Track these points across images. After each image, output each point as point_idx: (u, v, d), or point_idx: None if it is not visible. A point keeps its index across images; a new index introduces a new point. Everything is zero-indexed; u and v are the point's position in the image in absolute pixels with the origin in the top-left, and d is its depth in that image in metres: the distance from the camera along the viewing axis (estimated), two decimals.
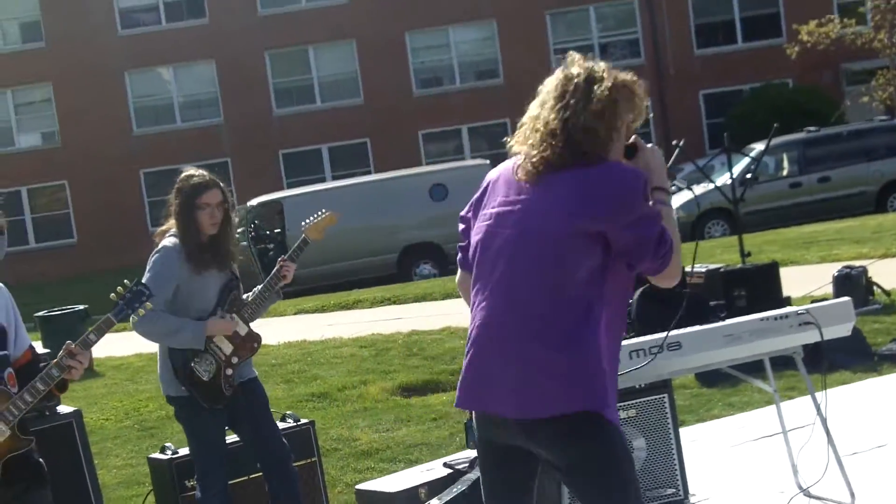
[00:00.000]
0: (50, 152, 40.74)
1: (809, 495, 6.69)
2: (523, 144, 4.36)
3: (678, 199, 26.22)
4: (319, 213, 7.04)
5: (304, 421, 7.66)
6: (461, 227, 4.61)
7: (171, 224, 6.64)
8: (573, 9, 40.63)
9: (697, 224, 25.76)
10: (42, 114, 41.38)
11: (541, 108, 4.33)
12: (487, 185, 4.52)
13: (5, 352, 5.17)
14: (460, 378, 4.41)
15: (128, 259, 36.71)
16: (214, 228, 6.54)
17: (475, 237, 4.45)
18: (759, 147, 22.92)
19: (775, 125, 13.53)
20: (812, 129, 27.07)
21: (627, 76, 4.37)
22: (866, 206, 25.79)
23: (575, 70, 4.33)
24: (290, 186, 35.76)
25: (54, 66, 39.94)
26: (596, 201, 4.16)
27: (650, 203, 4.28)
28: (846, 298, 6.89)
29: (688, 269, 12.78)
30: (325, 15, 40.18)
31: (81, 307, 15.86)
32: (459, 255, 4.61)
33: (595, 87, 4.27)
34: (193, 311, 6.50)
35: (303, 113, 40.71)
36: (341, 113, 40.37)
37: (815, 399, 6.54)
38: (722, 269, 12.12)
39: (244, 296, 6.81)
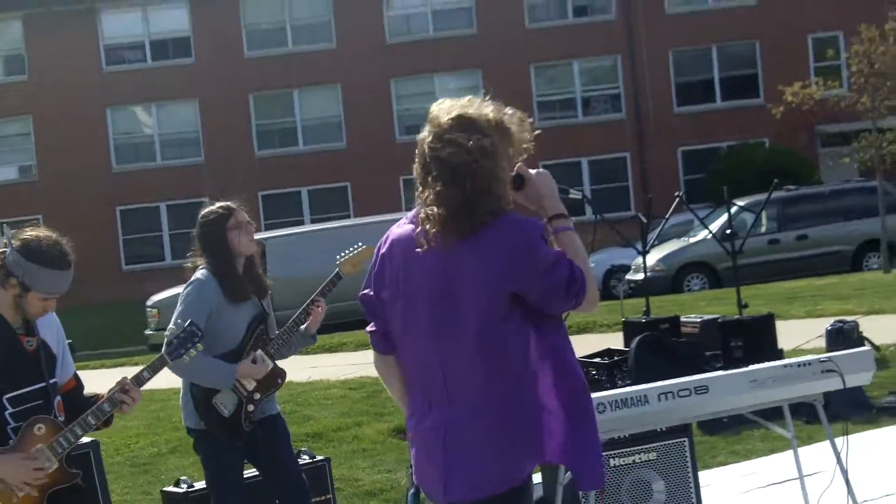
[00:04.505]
0: (26, 186, 40.50)
1: None
2: (421, 211, 4.27)
3: (658, 253, 26.39)
4: (355, 246, 6.91)
5: (319, 458, 7.65)
6: (366, 308, 4.45)
7: (200, 261, 6.58)
8: (557, 62, 40.90)
9: (677, 277, 25.93)
10: (20, 147, 41.19)
11: (427, 179, 4.27)
12: (383, 258, 4.39)
13: (54, 379, 5.18)
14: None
15: (100, 296, 36.52)
16: (252, 245, 6.47)
17: (395, 322, 4.35)
18: (740, 203, 23.12)
19: (775, 180, 13.66)
20: (791, 187, 27.36)
21: (498, 113, 4.26)
22: (843, 265, 26.05)
23: (444, 123, 4.25)
24: (268, 228, 35.70)
25: (34, 100, 39.82)
26: (500, 263, 4.11)
27: (550, 238, 4.25)
28: (867, 348, 7.02)
29: (683, 318, 12.97)
30: (311, 59, 40.23)
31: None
32: (372, 338, 4.47)
33: (470, 144, 4.16)
34: (220, 344, 6.36)
35: (284, 155, 40.72)
36: (323, 156, 40.42)
37: (834, 446, 6.60)
38: (719, 320, 12.19)
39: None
